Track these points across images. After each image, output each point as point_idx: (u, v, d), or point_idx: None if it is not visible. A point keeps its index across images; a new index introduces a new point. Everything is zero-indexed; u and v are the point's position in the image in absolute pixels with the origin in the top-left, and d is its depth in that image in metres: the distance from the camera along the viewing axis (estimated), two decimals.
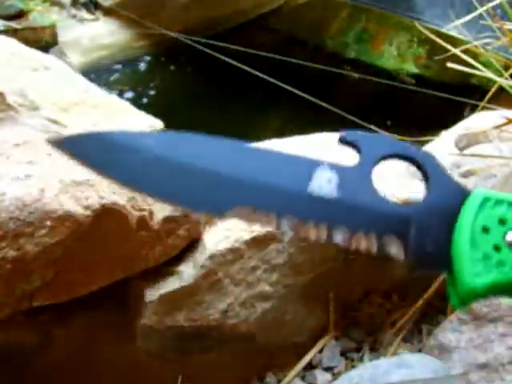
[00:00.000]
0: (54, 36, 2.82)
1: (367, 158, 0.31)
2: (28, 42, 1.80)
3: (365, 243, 0.29)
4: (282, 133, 1.49)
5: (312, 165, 0.31)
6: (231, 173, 0.30)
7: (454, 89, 2.46)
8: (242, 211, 0.29)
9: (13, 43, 1.40)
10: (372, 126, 1.48)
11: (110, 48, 3.07)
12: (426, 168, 0.31)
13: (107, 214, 0.99)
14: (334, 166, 0.31)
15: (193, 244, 1.14)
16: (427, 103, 2.75)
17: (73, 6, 3.14)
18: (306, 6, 3.54)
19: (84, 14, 3.15)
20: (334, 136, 1.34)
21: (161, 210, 1.07)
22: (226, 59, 2.60)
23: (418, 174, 0.32)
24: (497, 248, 0.29)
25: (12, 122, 1.08)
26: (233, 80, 2.89)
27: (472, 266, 0.29)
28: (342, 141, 0.31)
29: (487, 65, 1.35)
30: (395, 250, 0.30)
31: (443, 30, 1.99)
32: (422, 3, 2.88)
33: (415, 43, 3.31)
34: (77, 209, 0.96)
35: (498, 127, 1.35)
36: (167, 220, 1.08)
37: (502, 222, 0.29)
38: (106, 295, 1.09)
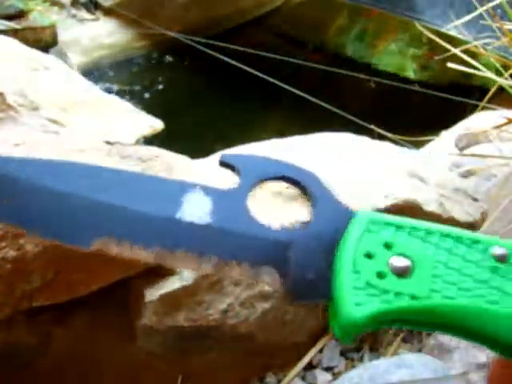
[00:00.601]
0: (54, 36, 2.82)
1: (245, 181, 0.29)
2: (28, 42, 1.80)
3: (237, 272, 0.27)
4: (282, 133, 1.49)
5: (184, 188, 0.28)
6: (99, 201, 0.28)
7: (454, 89, 2.46)
8: (104, 243, 0.27)
9: (13, 43, 1.40)
10: (372, 126, 1.48)
11: (110, 48, 3.07)
12: (311, 190, 0.29)
13: None
14: (207, 190, 0.28)
15: None
16: (427, 103, 2.75)
17: (73, 6, 3.14)
18: (306, 5, 3.54)
19: (84, 14, 3.15)
20: (334, 136, 1.34)
21: None
22: (226, 59, 2.60)
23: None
24: (380, 275, 0.28)
25: (12, 121, 1.08)
26: (233, 80, 2.89)
27: (353, 296, 0.27)
28: (222, 163, 0.29)
29: (487, 65, 1.35)
30: (270, 279, 0.28)
31: (443, 30, 1.99)
32: (422, 3, 2.88)
33: (415, 43, 3.31)
34: None
35: (497, 127, 1.35)
36: None
37: (388, 246, 0.28)
38: (106, 295, 1.09)
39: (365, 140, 1.40)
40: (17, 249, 0.93)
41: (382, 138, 1.45)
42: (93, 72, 2.99)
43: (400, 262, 0.28)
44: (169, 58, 3.19)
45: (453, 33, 1.96)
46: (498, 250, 0.28)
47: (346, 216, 0.29)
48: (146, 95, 3.05)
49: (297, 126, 2.70)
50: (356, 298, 0.27)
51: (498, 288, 0.27)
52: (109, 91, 2.77)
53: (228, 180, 0.30)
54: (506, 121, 1.30)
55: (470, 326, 0.27)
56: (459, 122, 1.75)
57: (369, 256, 0.28)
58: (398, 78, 3.00)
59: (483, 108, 1.44)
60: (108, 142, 1.20)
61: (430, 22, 2.68)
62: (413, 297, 0.27)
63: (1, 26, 2.72)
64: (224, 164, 0.29)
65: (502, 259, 0.28)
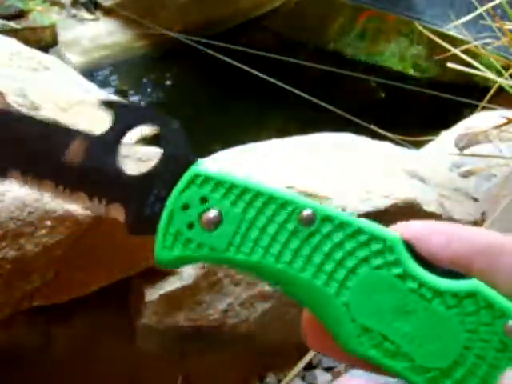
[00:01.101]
0: (54, 36, 2.82)
1: (118, 127, 0.33)
2: (28, 42, 1.80)
3: (97, 207, 0.33)
4: (282, 133, 1.49)
5: (70, 134, 0.33)
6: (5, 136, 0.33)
7: (454, 89, 2.47)
8: (15, 175, 0.33)
9: (13, 43, 1.40)
10: (372, 126, 1.48)
11: (110, 48, 3.07)
12: (165, 136, 0.32)
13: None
14: (86, 135, 0.33)
15: None
16: (427, 103, 2.75)
17: (73, 6, 3.14)
18: (306, 6, 3.54)
19: (84, 13, 3.15)
20: (334, 136, 1.34)
21: None
22: (226, 59, 2.60)
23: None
24: (190, 226, 0.30)
25: None
26: (233, 80, 2.89)
27: (163, 240, 0.30)
28: (103, 104, 0.33)
29: (487, 65, 1.35)
30: (117, 213, 0.32)
31: (443, 30, 1.99)
32: (422, 3, 2.88)
33: (415, 43, 3.31)
34: (77, 209, 0.96)
35: (497, 127, 1.35)
36: None
37: (204, 200, 0.30)
38: (105, 295, 1.09)
39: (365, 140, 1.40)
40: (17, 249, 0.93)
41: (382, 137, 1.45)
42: (93, 72, 2.99)
43: (208, 216, 0.30)
44: (169, 58, 3.20)
45: (453, 33, 1.96)
46: (305, 213, 0.30)
47: (186, 166, 0.32)
48: (146, 95, 3.05)
49: (297, 125, 2.70)
50: (165, 242, 0.30)
51: (293, 250, 0.29)
52: (109, 91, 2.77)
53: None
54: (505, 121, 1.30)
55: (266, 280, 0.30)
56: (459, 122, 1.75)
57: (185, 207, 0.31)
58: (399, 78, 3.00)
59: (483, 108, 1.44)
60: None
61: (430, 21, 2.68)
62: (212, 249, 0.30)
63: (1, 26, 2.72)
64: (104, 105, 0.34)
65: (306, 222, 0.29)
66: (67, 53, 2.87)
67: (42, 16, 2.87)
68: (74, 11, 3.13)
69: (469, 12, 1.40)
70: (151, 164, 0.32)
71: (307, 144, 1.36)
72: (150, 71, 3.16)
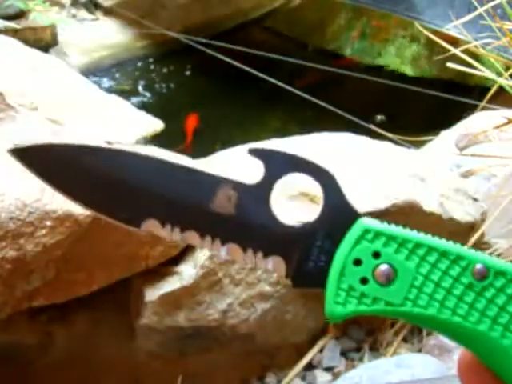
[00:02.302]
0: (54, 36, 2.82)
1: (269, 176, 0.32)
2: (28, 42, 1.80)
3: (251, 259, 0.32)
4: (282, 133, 1.49)
5: (216, 182, 0.32)
6: (145, 186, 0.32)
7: (454, 89, 2.47)
8: (151, 224, 0.32)
9: (13, 43, 1.40)
10: (372, 126, 1.48)
11: (110, 48, 3.07)
12: (324, 187, 0.32)
13: None
14: (235, 184, 0.32)
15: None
16: (427, 103, 2.75)
17: (73, 6, 3.14)
18: (306, 6, 3.54)
19: (84, 13, 3.15)
20: (334, 136, 1.33)
21: None
22: (226, 59, 2.60)
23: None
24: (364, 281, 0.31)
25: (12, 121, 1.08)
26: (233, 80, 2.89)
27: (335, 295, 0.31)
28: (251, 153, 0.32)
29: (487, 65, 1.35)
30: (276, 266, 0.32)
31: (443, 30, 1.99)
32: (422, 3, 2.88)
33: (415, 43, 3.31)
34: (77, 209, 0.96)
35: (497, 127, 1.35)
36: None
37: (376, 255, 0.31)
38: (106, 295, 1.09)
39: (365, 140, 1.40)
40: (17, 249, 0.93)
41: (382, 138, 1.45)
42: (93, 72, 2.99)
43: (383, 271, 0.31)
44: (169, 58, 3.19)
45: (453, 33, 1.96)
46: (478, 267, 0.30)
47: (350, 219, 0.32)
48: (146, 95, 3.05)
49: (297, 125, 2.70)
50: (337, 298, 0.31)
51: (468, 304, 0.30)
52: (109, 91, 2.76)
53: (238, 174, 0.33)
54: (506, 121, 1.30)
55: (441, 331, 0.31)
56: (459, 122, 1.75)
57: (357, 262, 0.31)
58: (398, 78, 3.00)
59: (483, 108, 1.44)
60: (108, 142, 1.20)
61: (430, 21, 2.68)
62: (388, 303, 0.31)
63: (1, 26, 2.72)
64: (253, 154, 0.33)
65: (480, 276, 0.30)
66: (67, 53, 2.86)
67: (41, 16, 2.87)
68: (73, 11, 3.13)
69: (469, 12, 1.40)
70: (306, 215, 0.31)
71: (307, 144, 1.36)
72: (149, 71, 3.16)
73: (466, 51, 1.32)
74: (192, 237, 0.32)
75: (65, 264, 0.99)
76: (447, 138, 1.65)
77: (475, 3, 1.37)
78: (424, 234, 0.32)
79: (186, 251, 1.14)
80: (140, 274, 1.11)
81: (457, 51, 1.31)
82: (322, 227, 0.32)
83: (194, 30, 3.06)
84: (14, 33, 2.57)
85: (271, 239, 0.32)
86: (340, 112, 2.16)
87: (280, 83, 2.43)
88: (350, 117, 2.09)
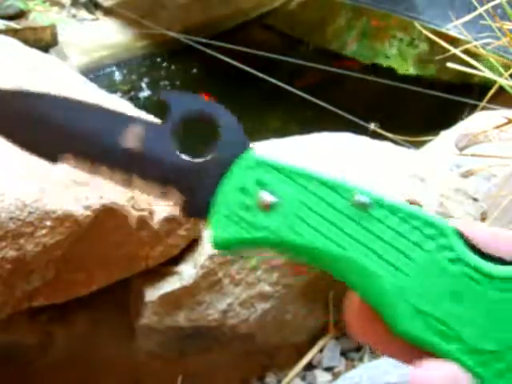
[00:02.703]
0: (54, 36, 2.82)
1: (173, 115, 0.34)
2: (28, 42, 1.80)
3: (150, 189, 0.34)
4: (281, 133, 1.49)
5: (126, 119, 0.35)
6: (62, 123, 0.35)
7: (454, 89, 2.46)
8: (67, 158, 0.35)
9: (13, 43, 1.40)
10: (372, 126, 1.48)
11: (110, 48, 3.07)
12: (223, 125, 0.33)
13: (107, 214, 0.99)
14: (143, 122, 0.34)
15: (193, 244, 1.14)
16: (427, 103, 2.75)
17: (73, 6, 3.14)
18: (306, 6, 3.54)
19: (84, 13, 3.15)
20: (334, 136, 1.33)
21: (161, 210, 1.07)
22: (226, 59, 2.60)
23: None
24: (247, 208, 0.31)
25: None
26: (233, 80, 2.89)
27: (219, 221, 0.32)
28: (160, 100, 0.34)
29: (487, 65, 1.35)
30: (173, 197, 0.34)
31: (443, 30, 1.99)
32: (422, 3, 2.88)
33: (415, 43, 3.31)
34: (77, 209, 0.96)
35: (497, 127, 1.35)
36: (167, 220, 1.08)
37: (261, 184, 0.31)
38: (106, 295, 1.09)
39: (365, 140, 1.40)
40: (17, 249, 0.93)
41: (382, 137, 1.45)
42: (93, 72, 2.99)
43: (267, 199, 0.31)
44: (169, 58, 3.19)
45: (453, 33, 1.96)
46: (361, 198, 0.31)
47: (241, 152, 0.33)
48: (146, 95, 3.05)
49: (297, 125, 2.70)
50: (221, 225, 0.32)
51: (349, 235, 0.30)
52: (109, 91, 2.76)
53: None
54: (506, 121, 1.29)
55: (320, 264, 0.31)
56: (459, 122, 1.75)
57: (242, 189, 0.32)
58: (398, 78, 3.00)
59: (483, 108, 1.44)
60: None
61: (430, 21, 2.68)
62: (270, 231, 0.31)
63: (1, 26, 2.72)
64: (161, 101, 0.35)
65: (361, 207, 0.30)
66: (67, 53, 2.86)
67: (41, 16, 2.87)
68: (73, 11, 3.13)
69: (469, 12, 1.39)
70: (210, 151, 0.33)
71: (307, 144, 1.36)
72: (150, 71, 3.16)
73: (466, 51, 1.32)
74: (102, 170, 0.34)
75: (65, 264, 0.99)
76: (447, 138, 1.65)
77: (475, 3, 1.37)
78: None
79: (186, 251, 1.14)
80: (140, 274, 1.11)
81: (457, 51, 1.31)
82: (216, 161, 0.33)
83: (194, 30, 3.06)
84: (14, 33, 2.58)
85: (170, 171, 0.33)
86: (340, 112, 2.16)
87: (280, 83, 2.43)
88: (350, 117, 2.09)
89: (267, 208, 0.31)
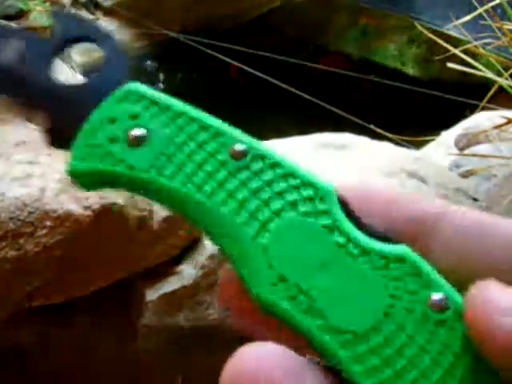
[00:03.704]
0: None
1: (57, 35, 0.31)
2: None
3: (18, 111, 0.33)
4: (282, 133, 1.49)
5: (9, 32, 0.32)
6: None
7: (454, 89, 2.47)
8: None
9: None
10: (372, 126, 1.48)
11: None
12: (105, 51, 0.31)
13: (107, 214, 0.99)
14: (25, 35, 0.31)
15: (193, 244, 1.14)
16: (427, 103, 2.75)
17: (73, 6, 3.14)
18: (306, 5, 3.54)
19: (84, 13, 3.15)
20: (334, 136, 1.34)
21: (161, 210, 1.07)
22: (226, 59, 2.60)
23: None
24: (113, 140, 0.28)
25: (12, 121, 1.08)
26: (233, 80, 2.89)
27: (80, 150, 0.29)
28: (52, 14, 0.32)
29: (487, 65, 1.35)
30: (41, 120, 0.33)
31: (443, 30, 1.99)
32: (422, 3, 2.88)
33: (415, 43, 3.31)
34: (77, 209, 0.96)
35: (497, 127, 1.35)
36: (167, 220, 1.08)
37: (133, 117, 0.29)
38: (106, 295, 1.09)
39: (365, 140, 1.40)
40: (17, 249, 0.93)
41: (382, 137, 1.45)
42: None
43: (135, 132, 0.28)
44: (169, 58, 3.20)
45: (453, 33, 1.96)
46: (238, 147, 0.28)
47: (118, 83, 0.30)
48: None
49: (297, 126, 2.70)
50: (80, 153, 0.28)
51: (217, 181, 0.27)
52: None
53: None
54: (505, 121, 1.30)
55: (182, 212, 0.28)
56: (459, 122, 1.75)
57: (112, 120, 0.29)
58: (398, 77, 3.00)
59: (483, 108, 1.44)
60: None
61: (430, 21, 2.68)
62: (131, 167, 0.28)
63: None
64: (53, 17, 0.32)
65: (237, 156, 0.28)
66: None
67: (41, 16, 2.87)
68: (73, 11, 3.13)
69: (469, 12, 1.40)
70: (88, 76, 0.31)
71: (307, 144, 1.36)
72: (149, 71, 3.16)
73: (466, 51, 1.32)
74: None
75: (65, 264, 0.99)
76: (447, 138, 1.65)
77: (475, 3, 1.37)
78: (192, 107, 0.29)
79: (186, 251, 1.14)
80: (140, 274, 1.11)
81: (457, 51, 1.31)
82: (95, 89, 0.30)
83: (194, 30, 3.06)
84: None
85: (41, 94, 0.30)
86: (340, 112, 2.16)
87: (280, 83, 2.43)
88: (350, 117, 2.09)
89: (135, 143, 0.28)
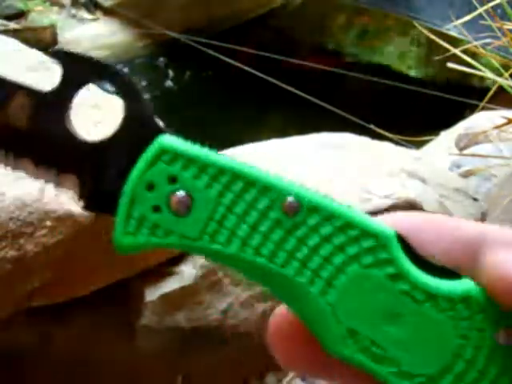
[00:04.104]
0: (54, 36, 2.82)
1: (68, 83, 0.28)
2: (28, 42, 1.80)
3: (45, 176, 0.28)
4: (282, 133, 1.49)
5: (9, 87, 0.28)
6: None
7: (454, 89, 2.47)
8: None
9: (13, 43, 1.40)
10: (372, 126, 1.48)
11: (110, 48, 3.07)
12: (125, 98, 0.27)
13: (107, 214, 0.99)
14: (30, 91, 0.28)
15: None
16: (427, 103, 2.75)
17: (73, 6, 3.14)
18: (306, 5, 3.54)
19: (84, 13, 3.15)
20: (334, 136, 1.34)
21: None
22: (227, 59, 2.60)
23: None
24: (157, 209, 0.26)
25: None
26: (233, 80, 2.89)
27: (125, 224, 0.26)
28: (52, 55, 0.28)
29: (487, 65, 1.35)
30: (70, 185, 0.28)
31: (443, 30, 1.99)
32: (422, 3, 2.88)
33: (415, 43, 3.31)
34: (77, 209, 0.96)
35: (497, 127, 1.35)
36: None
37: (172, 180, 0.26)
38: (105, 295, 1.09)
39: (365, 140, 1.40)
40: (17, 249, 0.93)
41: (382, 137, 1.45)
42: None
43: (179, 199, 0.26)
44: (169, 58, 3.20)
45: (453, 33, 1.96)
46: (290, 200, 0.26)
47: (151, 135, 0.27)
48: (146, 95, 3.05)
49: (297, 126, 2.70)
50: (127, 227, 0.26)
51: (275, 242, 0.26)
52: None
53: None
54: (505, 121, 1.30)
55: (245, 273, 0.27)
56: (459, 122, 1.75)
57: (151, 187, 0.26)
58: (398, 78, 3.00)
59: (483, 108, 1.44)
60: None
61: (430, 21, 2.68)
62: (182, 236, 0.26)
63: (1, 26, 2.72)
64: (53, 56, 0.28)
65: (291, 212, 0.26)
66: None
67: (41, 16, 2.87)
68: (73, 11, 3.13)
69: (469, 12, 1.40)
70: (111, 129, 0.28)
71: (307, 144, 1.36)
72: (149, 71, 3.16)
73: (466, 51, 1.32)
74: None
75: (65, 264, 0.99)
76: (447, 138, 1.65)
77: (475, 3, 1.37)
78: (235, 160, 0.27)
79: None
80: (140, 274, 1.11)
81: (457, 51, 1.31)
82: (119, 143, 0.27)
83: (194, 30, 3.06)
84: (13, 33, 2.58)
85: (65, 155, 0.27)
86: (340, 112, 2.16)
87: (280, 83, 2.43)
88: (350, 117, 2.09)
89: (180, 210, 0.26)
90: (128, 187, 0.26)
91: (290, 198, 0.26)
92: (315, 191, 0.27)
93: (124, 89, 0.27)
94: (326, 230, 0.26)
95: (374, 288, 0.26)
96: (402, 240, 0.26)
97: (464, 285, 0.26)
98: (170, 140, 0.27)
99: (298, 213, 0.26)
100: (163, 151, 0.26)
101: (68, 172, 0.27)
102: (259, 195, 0.26)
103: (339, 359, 0.26)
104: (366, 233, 0.26)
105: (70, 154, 0.27)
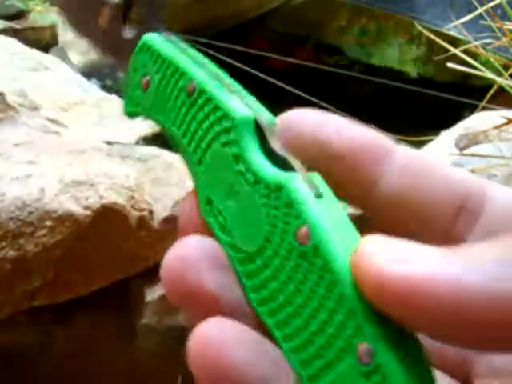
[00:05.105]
0: (54, 36, 2.82)
1: None
2: (28, 42, 1.81)
3: None
4: None
5: None
6: None
7: (454, 89, 2.47)
8: None
9: (13, 43, 1.40)
10: (372, 126, 1.48)
11: None
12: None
13: (107, 214, 0.99)
14: None
15: None
16: (427, 103, 2.75)
17: None
18: (307, 5, 3.54)
19: None
20: None
21: (161, 210, 1.07)
22: (226, 59, 2.60)
23: None
24: (136, 87, 0.33)
25: (12, 121, 1.08)
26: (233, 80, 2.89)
27: (124, 97, 0.33)
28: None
29: (487, 65, 1.35)
30: None
31: (443, 30, 1.99)
32: (422, 3, 2.88)
33: (415, 43, 3.31)
34: (77, 209, 0.96)
35: (497, 127, 1.35)
36: (167, 220, 1.08)
37: (144, 66, 0.33)
38: (106, 295, 1.09)
39: None
40: (17, 249, 0.93)
41: None
42: (93, 72, 2.99)
43: (144, 80, 0.33)
44: None
45: (453, 33, 1.96)
46: (191, 85, 0.31)
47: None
48: None
49: None
50: (126, 99, 0.34)
51: (181, 114, 0.31)
52: (109, 91, 2.76)
53: None
54: (505, 121, 1.30)
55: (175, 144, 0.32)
56: (459, 122, 1.75)
57: (135, 70, 0.34)
58: (398, 78, 3.00)
59: (483, 108, 1.44)
60: (108, 142, 1.20)
61: (430, 21, 2.68)
62: (144, 108, 0.33)
63: (1, 25, 2.72)
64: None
65: (190, 93, 0.31)
66: (67, 53, 2.87)
67: (42, 16, 2.87)
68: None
69: (469, 12, 1.40)
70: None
71: None
72: None
73: (466, 51, 1.32)
74: None
75: (65, 264, 0.99)
76: (447, 137, 1.65)
77: (475, 3, 1.37)
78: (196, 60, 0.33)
79: None
80: (140, 274, 1.11)
81: (457, 51, 1.31)
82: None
83: (194, 30, 3.06)
84: (14, 33, 2.58)
85: None
86: (340, 112, 2.16)
87: (280, 83, 2.43)
88: (350, 117, 2.09)
89: (143, 87, 0.33)
90: (128, 70, 0.34)
91: (191, 83, 0.31)
92: (214, 77, 0.32)
93: None
94: (207, 108, 0.30)
95: (223, 165, 0.29)
96: (261, 134, 0.29)
97: (283, 177, 0.27)
98: (153, 36, 0.33)
99: (194, 92, 0.31)
100: (144, 45, 0.33)
101: None
102: (180, 81, 0.32)
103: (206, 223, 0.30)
104: (227, 115, 0.30)
105: None
